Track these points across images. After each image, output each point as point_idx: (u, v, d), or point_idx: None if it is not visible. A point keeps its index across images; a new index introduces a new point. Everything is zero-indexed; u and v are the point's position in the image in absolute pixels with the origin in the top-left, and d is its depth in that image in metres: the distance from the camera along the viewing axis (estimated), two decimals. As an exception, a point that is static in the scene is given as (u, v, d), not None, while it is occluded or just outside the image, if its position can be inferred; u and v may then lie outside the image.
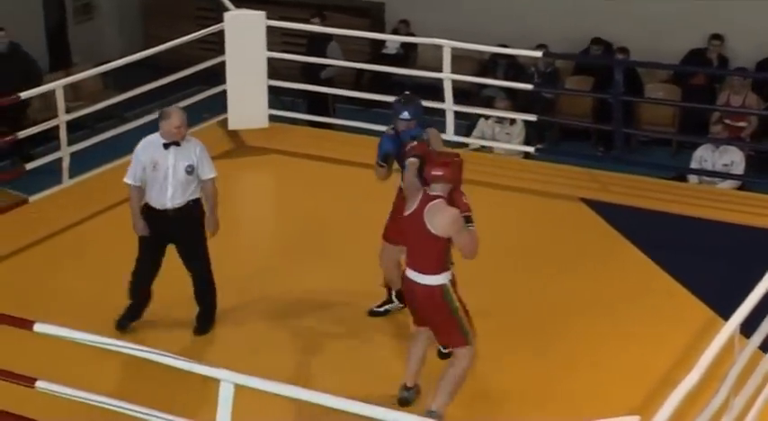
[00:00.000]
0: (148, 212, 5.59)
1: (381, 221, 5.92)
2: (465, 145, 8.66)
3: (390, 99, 8.49)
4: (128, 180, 5.61)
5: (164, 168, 5.51)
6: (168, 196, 5.52)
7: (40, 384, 4.36)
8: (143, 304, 5.69)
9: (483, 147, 9.15)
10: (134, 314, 5.67)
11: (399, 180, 5.37)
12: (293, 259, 6.68)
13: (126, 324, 5.63)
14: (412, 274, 4.72)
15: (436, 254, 4.64)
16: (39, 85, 8.40)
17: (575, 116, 11.38)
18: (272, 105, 8.81)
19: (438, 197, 4.65)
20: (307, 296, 6.08)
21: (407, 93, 5.45)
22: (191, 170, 5.59)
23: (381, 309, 5.75)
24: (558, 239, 6.95)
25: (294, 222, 7.29)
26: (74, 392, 4.26)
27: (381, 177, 5.45)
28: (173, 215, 5.55)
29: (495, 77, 10.79)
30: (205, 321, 5.69)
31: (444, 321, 4.72)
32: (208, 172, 5.66)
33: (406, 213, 4.72)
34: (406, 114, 5.29)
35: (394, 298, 5.67)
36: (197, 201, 5.65)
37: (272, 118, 8.80)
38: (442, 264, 4.67)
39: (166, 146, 5.55)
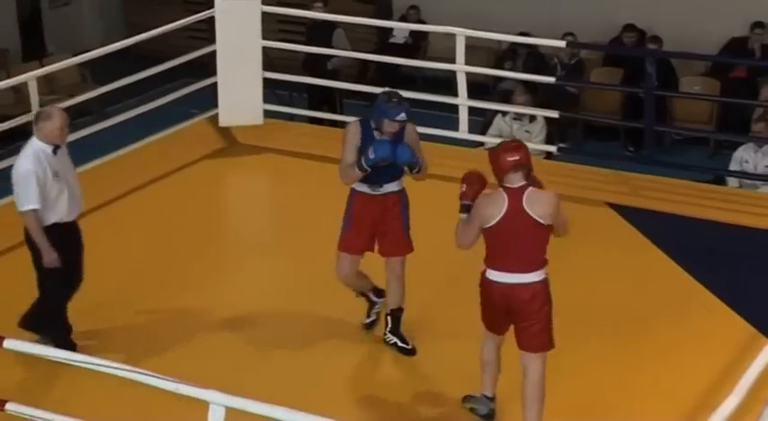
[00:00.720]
0: (60, 232, 5.44)
1: None
2: (480, 144, 8.73)
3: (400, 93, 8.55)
4: (31, 205, 5.33)
5: (64, 173, 5.49)
6: (78, 202, 5.56)
7: (9, 406, 4.42)
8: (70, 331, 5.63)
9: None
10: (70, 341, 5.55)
11: (352, 186, 5.48)
12: (290, 268, 6.78)
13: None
14: (511, 278, 4.87)
15: (543, 246, 4.88)
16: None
17: (602, 112, 11.43)
18: (267, 100, 8.88)
19: (526, 186, 4.85)
20: (304, 308, 6.20)
21: (390, 90, 5.49)
22: None
23: (372, 318, 5.88)
24: (583, 248, 6.97)
25: (291, 228, 7.38)
26: (46, 415, 4.33)
27: (350, 182, 5.45)
28: (75, 224, 5.61)
29: (514, 70, 10.92)
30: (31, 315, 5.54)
31: (542, 320, 4.91)
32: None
33: (499, 218, 4.82)
34: (403, 115, 5.33)
35: (374, 297, 5.79)
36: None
37: (268, 114, 8.89)
38: (545, 257, 4.91)
39: (56, 150, 5.47)
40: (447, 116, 8.87)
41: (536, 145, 9.04)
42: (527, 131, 9.31)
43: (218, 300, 6.35)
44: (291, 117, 9.48)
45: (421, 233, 6.00)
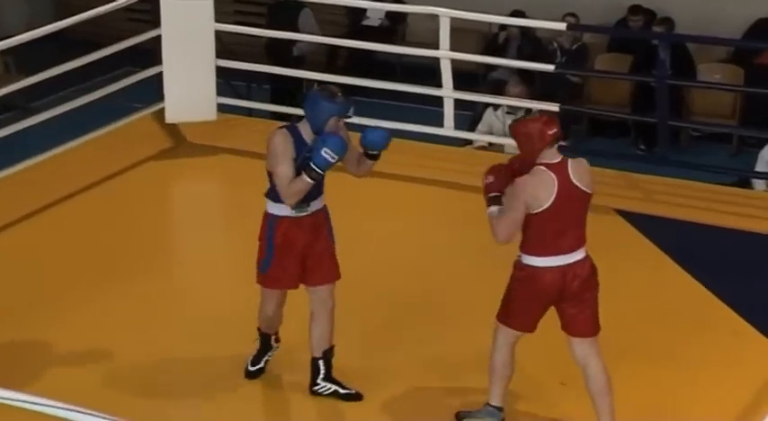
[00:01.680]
0: None
1: (356, 235, 6.05)
2: (468, 142, 8.95)
3: (374, 84, 8.94)
4: None
5: None
6: None
7: None
8: None
9: (491, 144, 9.31)
10: None
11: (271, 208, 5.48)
12: (245, 287, 6.62)
13: None
14: (568, 258, 5.11)
15: (586, 217, 5.24)
16: None
17: (608, 105, 11.54)
18: (221, 92, 8.97)
19: (565, 159, 5.10)
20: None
21: (325, 84, 5.55)
22: None
23: (262, 365, 5.83)
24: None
25: (248, 239, 7.11)
26: None
27: (296, 200, 5.39)
28: None
29: (508, 56, 11.01)
30: None
31: (596, 298, 5.22)
32: None
33: (552, 200, 5.00)
34: (352, 111, 5.39)
35: (275, 342, 5.80)
36: None
37: (222, 108, 8.99)
38: None
39: None
40: (430, 110, 9.03)
41: None
42: None
43: (161, 326, 6.39)
44: (250, 112, 9.53)
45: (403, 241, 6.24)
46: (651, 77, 8.84)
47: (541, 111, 5.35)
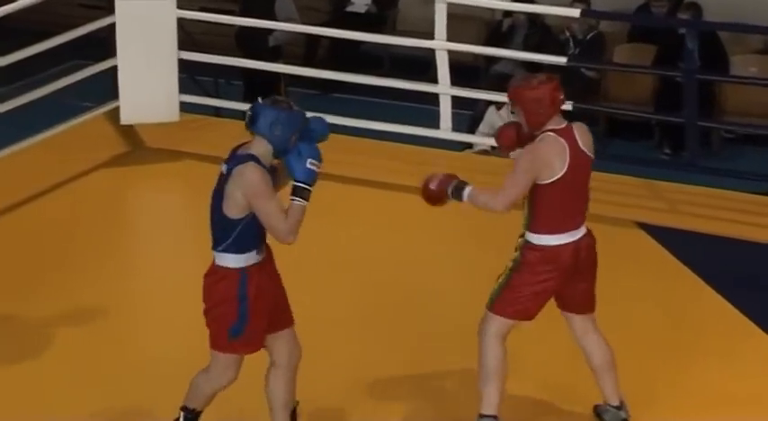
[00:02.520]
0: None
1: (344, 250, 6.48)
2: (468, 146, 9.17)
3: (360, 79, 9.05)
4: None
5: None
6: None
7: None
8: None
9: (494, 148, 9.11)
10: None
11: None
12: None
13: None
14: (579, 232, 5.45)
15: None
16: None
17: (629, 103, 11.52)
18: (185, 89, 9.08)
19: (569, 123, 5.39)
20: None
21: (273, 97, 5.41)
22: None
23: None
24: (608, 282, 6.65)
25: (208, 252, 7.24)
26: None
27: (296, 234, 5.34)
28: None
29: (513, 47, 11.09)
30: None
31: (596, 272, 5.60)
32: None
33: (565, 169, 5.28)
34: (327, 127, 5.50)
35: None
36: None
37: (186, 107, 9.08)
38: None
39: None
40: (424, 109, 9.10)
41: None
42: None
43: (116, 352, 6.49)
44: (217, 111, 9.62)
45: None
46: (677, 71, 9.04)
47: (543, 75, 5.55)
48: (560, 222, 5.38)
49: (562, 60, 9.21)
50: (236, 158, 5.19)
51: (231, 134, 8.07)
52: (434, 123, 8.70)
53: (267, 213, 5.18)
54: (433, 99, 8.62)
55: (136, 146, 8.98)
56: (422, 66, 9.18)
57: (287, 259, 5.92)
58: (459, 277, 7.40)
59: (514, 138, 5.54)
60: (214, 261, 5.30)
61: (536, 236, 5.40)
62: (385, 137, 9.09)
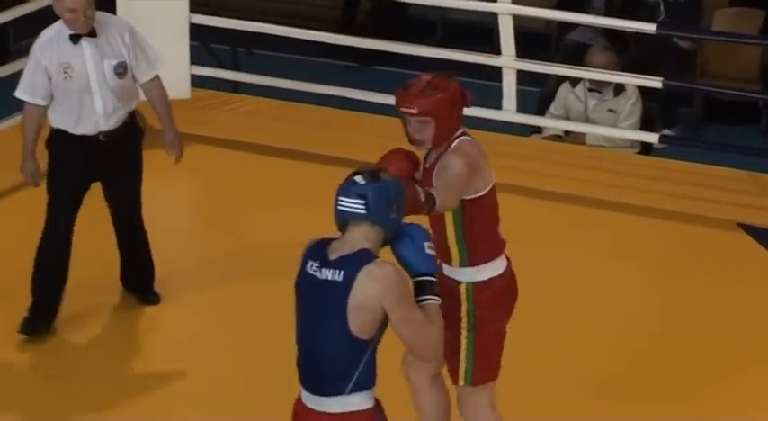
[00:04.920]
0: (64, 144, 6.50)
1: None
2: (537, 129, 8.97)
3: (406, 49, 9.14)
4: (23, 95, 6.52)
5: (81, 74, 6.38)
6: (100, 114, 6.41)
7: None
8: (56, 295, 6.57)
9: (567, 133, 9.23)
10: (46, 312, 6.53)
11: None
12: (220, 311, 7.11)
13: (36, 328, 6.54)
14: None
15: None
16: None
17: (731, 80, 11.09)
18: (197, 60, 8.98)
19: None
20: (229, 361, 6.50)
21: (363, 169, 4.88)
22: (122, 70, 6.40)
23: None
24: (706, 293, 7.20)
25: (228, 256, 7.68)
26: None
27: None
28: (105, 142, 6.46)
29: (591, 12, 10.80)
30: (149, 284, 6.82)
31: None
32: (147, 68, 6.52)
33: (492, 174, 5.14)
34: None
35: None
36: (133, 118, 6.62)
37: (198, 81, 9.04)
38: None
39: (75, 39, 6.30)
40: (484, 85, 8.65)
41: (625, 131, 9.10)
42: (610, 110, 9.30)
43: (126, 350, 6.66)
44: (235, 87, 9.44)
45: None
46: None
47: (439, 76, 5.25)
48: (498, 242, 5.09)
49: (651, 28, 8.91)
50: (351, 259, 4.47)
51: (251, 114, 9.06)
52: (496, 103, 8.49)
53: (415, 323, 4.52)
54: (495, 74, 8.49)
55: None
56: (481, 34, 9.25)
57: None
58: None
59: (409, 166, 5.08)
60: (325, 412, 4.58)
61: (479, 269, 5.00)
62: None
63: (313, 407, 4.40)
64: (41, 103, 6.64)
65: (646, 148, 8.99)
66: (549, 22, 10.99)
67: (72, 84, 6.53)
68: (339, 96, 9.06)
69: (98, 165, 6.78)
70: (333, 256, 4.39)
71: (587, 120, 9.25)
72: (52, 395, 6.43)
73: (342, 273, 4.35)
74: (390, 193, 4.46)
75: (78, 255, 6.91)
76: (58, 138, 6.74)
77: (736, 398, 6.37)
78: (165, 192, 8.34)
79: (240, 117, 8.99)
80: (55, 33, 6.59)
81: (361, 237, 4.40)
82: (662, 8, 11.23)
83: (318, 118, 9.03)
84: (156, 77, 6.80)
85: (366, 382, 4.47)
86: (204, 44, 9.46)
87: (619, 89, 9.07)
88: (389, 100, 9.22)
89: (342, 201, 4.42)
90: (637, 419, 6.21)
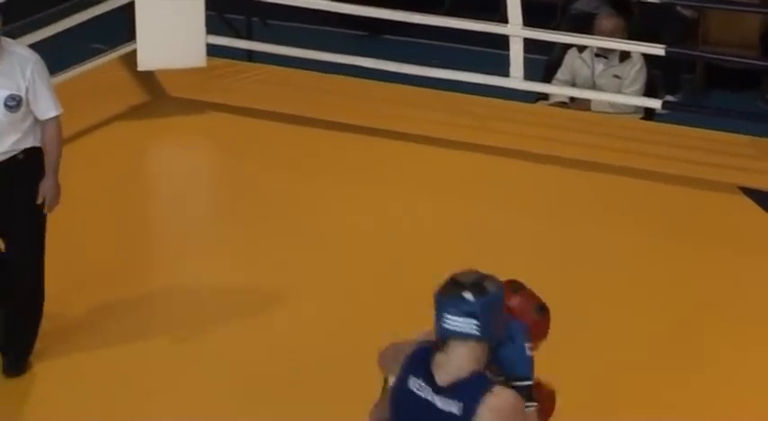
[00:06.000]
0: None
1: (400, 216, 6.79)
2: (544, 96, 8.95)
3: (415, 18, 9.16)
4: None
5: None
6: None
7: None
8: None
9: (573, 99, 9.23)
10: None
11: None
12: (237, 276, 7.10)
13: None
14: None
15: None
16: None
17: (733, 47, 10.82)
18: (213, 29, 9.02)
19: None
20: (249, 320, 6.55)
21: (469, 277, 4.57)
22: (14, 104, 6.14)
23: None
24: (708, 257, 7.19)
25: (244, 224, 7.62)
26: None
27: None
28: None
29: None
30: (22, 352, 6.41)
31: None
32: (46, 107, 6.23)
33: None
34: None
35: None
36: (33, 153, 6.29)
37: (214, 50, 9.01)
38: None
39: None
40: (491, 53, 9.05)
41: (630, 96, 9.09)
42: (616, 76, 9.31)
43: (143, 320, 6.56)
44: (250, 55, 9.54)
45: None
46: None
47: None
48: None
49: None
50: (466, 388, 4.17)
51: (266, 82, 9.10)
52: (504, 70, 8.41)
53: None
54: (503, 42, 8.37)
55: (156, 95, 8.84)
56: (489, 4, 9.06)
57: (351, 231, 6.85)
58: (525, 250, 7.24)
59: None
60: None
61: None
62: (445, 86, 9.06)
63: None
64: None
65: (649, 114, 9.08)
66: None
67: None
68: (351, 64, 9.13)
69: None
70: (442, 380, 4.14)
71: (594, 86, 9.26)
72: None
73: (460, 406, 4.12)
74: (499, 306, 4.21)
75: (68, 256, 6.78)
76: None
77: (738, 361, 6.36)
78: (181, 158, 8.47)
79: (255, 85, 9.02)
80: None
81: (470, 356, 4.16)
82: (664, -23, 11.72)
83: (331, 86, 9.09)
84: (54, 119, 6.50)
85: None
86: (220, 14, 9.51)
87: (624, 55, 9.17)
88: (401, 68, 9.02)
89: (449, 319, 4.11)
90: (635, 373, 6.16)
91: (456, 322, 3.95)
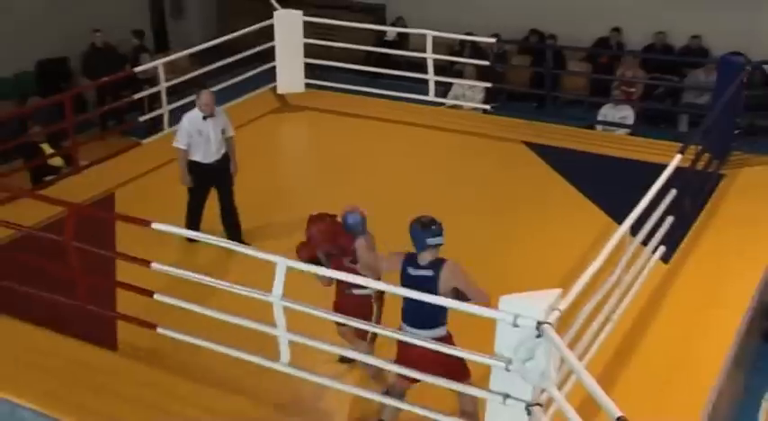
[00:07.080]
0: (197, 168, 8.48)
1: (399, 163, 8.12)
2: (442, 103, 12.52)
3: (389, 72, 12.39)
4: (179, 145, 8.41)
5: (206, 134, 8.36)
6: (213, 152, 8.48)
7: (154, 265, 6.46)
8: (197, 229, 8.35)
9: (455, 105, 13.08)
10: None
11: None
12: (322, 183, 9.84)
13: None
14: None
15: None
16: (123, 70, 12.99)
17: (518, 84, 15.76)
18: (307, 75, 13.16)
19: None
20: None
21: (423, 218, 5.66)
22: (222, 132, 8.57)
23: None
24: (505, 169, 9.86)
25: (319, 158, 10.63)
26: (177, 271, 6.31)
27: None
28: (216, 165, 8.51)
29: (463, 56, 15.25)
30: (238, 234, 8.66)
31: None
32: (229, 131, 8.67)
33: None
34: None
35: None
36: (227, 154, 8.68)
37: (307, 85, 13.24)
38: None
39: (205, 118, 8.31)
40: (421, 86, 12.58)
41: (477, 104, 12.92)
42: (471, 93, 13.30)
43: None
44: (321, 87, 13.17)
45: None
46: (542, 68, 12.23)
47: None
48: None
49: (486, 63, 12.82)
50: (434, 263, 5.63)
51: (328, 98, 12.73)
52: (426, 92, 11.99)
53: (473, 288, 5.63)
54: (426, 83, 11.62)
55: (284, 104, 12.55)
56: (420, 66, 11.43)
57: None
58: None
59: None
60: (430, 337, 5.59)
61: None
62: (404, 99, 12.75)
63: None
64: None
65: (485, 111, 11.58)
66: (446, 61, 14.23)
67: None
68: (365, 91, 11.95)
69: (212, 177, 8.34)
70: (423, 263, 5.68)
71: (463, 99, 12.58)
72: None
73: (431, 271, 5.62)
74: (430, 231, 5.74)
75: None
76: (194, 166, 8.16)
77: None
78: (294, 130, 11.43)
79: (325, 98, 11.89)
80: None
81: (433, 252, 5.66)
82: (491, 55, 15.25)
83: (355, 100, 12.05)
84: (231, 137, 8.33)
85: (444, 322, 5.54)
86: (311, 69, 12.01)
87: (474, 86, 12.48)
88: (390, 91, 12.26)
89: (437, 240, 5.57)
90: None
91: (434, 240, 5.72)
